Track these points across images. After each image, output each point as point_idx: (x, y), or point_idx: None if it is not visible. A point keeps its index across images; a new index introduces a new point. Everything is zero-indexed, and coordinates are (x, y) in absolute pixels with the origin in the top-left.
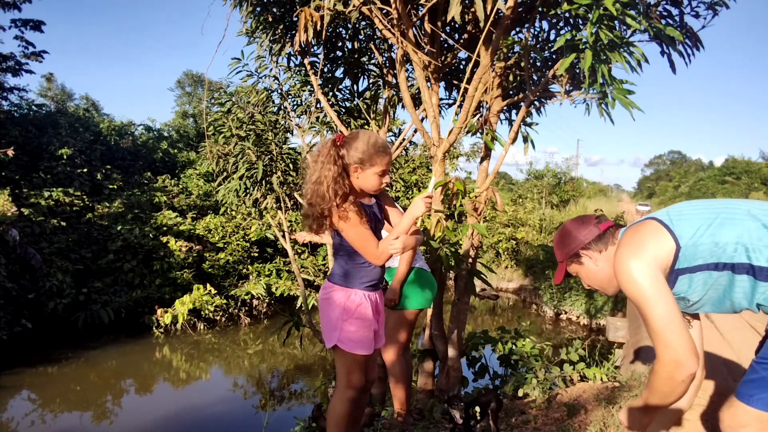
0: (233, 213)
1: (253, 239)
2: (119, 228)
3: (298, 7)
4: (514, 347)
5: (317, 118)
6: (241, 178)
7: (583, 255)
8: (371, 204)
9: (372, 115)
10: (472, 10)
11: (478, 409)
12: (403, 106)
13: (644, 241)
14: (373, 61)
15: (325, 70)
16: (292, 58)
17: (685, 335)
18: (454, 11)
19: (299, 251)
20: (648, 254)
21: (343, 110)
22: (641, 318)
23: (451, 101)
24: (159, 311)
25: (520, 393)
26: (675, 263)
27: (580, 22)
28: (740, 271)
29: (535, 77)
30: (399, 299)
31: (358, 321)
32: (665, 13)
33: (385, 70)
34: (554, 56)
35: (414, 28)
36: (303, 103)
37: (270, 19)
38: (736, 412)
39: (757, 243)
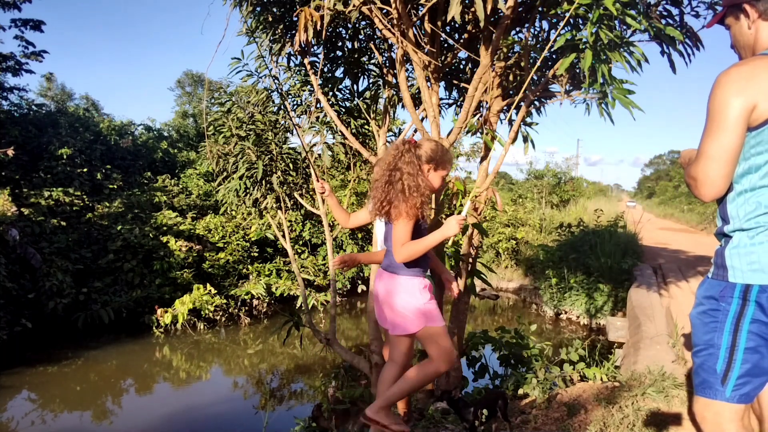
0: (233, 213)
1: (253, 239)
2: (119, 228)
3: (298, 6)
4: (514, 348)
5: (317, 117)
6: (241, 177)
7: (745, 9)
8: None
9: (372, 115)
10: (472, 9)
11: (486, 411)
12: (403, 106)
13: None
14: (373, 61)
15: (325, 69)
16: (292, 57)
17: (721, 175)
18: (454, 11)
19: (299, 251)
20: (757, 88)
21: (343, 110)
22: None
23: (451, 101)
24: (159, 311)
25: (520, 393)
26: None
27: (580, 21)
28: None
29: (535, 77)
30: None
31: (433, 300)
32: (665, 13)
33: (385, 70)
34: (554, 56)
35: (414, 28)
36: (303, 103)
37: (270, 19)
38: (695, 406)
39: None
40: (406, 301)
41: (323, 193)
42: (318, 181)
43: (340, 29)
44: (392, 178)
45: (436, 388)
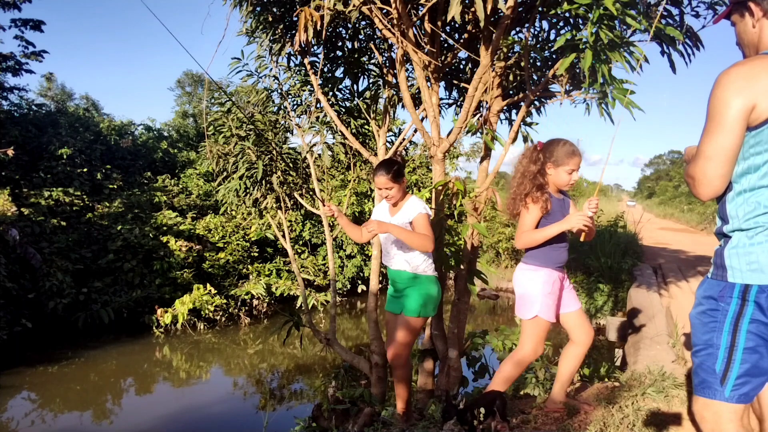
0: (233, 213)
1: (253, 239)
2: (119, 228)
3: (298, 6)
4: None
5: (317, 117)
6: (241, 177)
7: (750, 8)
8: (561, 198)
9: (372, 115)
10: (472, 9)
11: (483, 410)
12: (403, 106)
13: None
14: (373, 61)
15: (325, 69)
16: (292, 57)
17: (719, 175)
18: (454, 11)
19: (299, 251)
20: (759, 87)
21: (343, 110)
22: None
23: (451, 101)
24: (159, 311)
25: (521, 393)
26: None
27: (580, 21)
28: None
29: (535, 77)
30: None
31: (553, 295)
32: (665, 13)
33: (385, 70)
34: (554, 56)
35: (414, 28)
36: (303, 103)
37: (270, 19)
38: (695, 406)
39: None
40: (530, 288)
41: (332, 216)
42: (324, 205)
43: (340, 29)
44: (516, 178)
45: (437, 387)
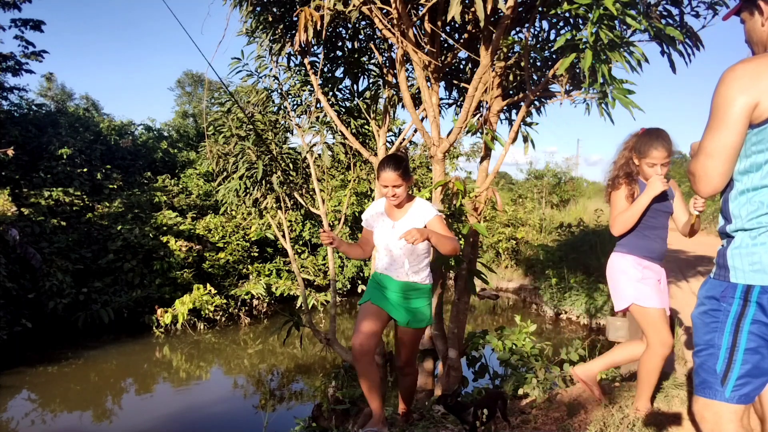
0: (233, 213)
1: (253, 239)
2: (119, 228)
3: (298, 6)
4: (514, 347)
5: (317, 117)
6: (241, 177)
7: (759, 6)
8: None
9: (372, 115)
10: (472, 9)
11: (486, 411)
12: (403, 106)
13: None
14: (373, 61)
15: (325, 69)
16: (292, 57)
17: (719, 173)
18: (454, 11)
19: (299, 251)
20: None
21: (343, 110)
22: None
23: (451, 101)
24: (159, 311)
25: (520, 393)
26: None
27: (580, 21)
28: None
29: (535, 77)
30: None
31: (648, 280)
32: (665, 13)
33: (385, 70)
34: (554, 56)
35: (414, 28)
36: (303, 103)
37: (270, 19)
38: (695, 406)
39: None
40: (620, 278)
41: (331, 243)
42: (323, 233)
43: (340, 29)
44: (617, 159)
45: (436, 387)
